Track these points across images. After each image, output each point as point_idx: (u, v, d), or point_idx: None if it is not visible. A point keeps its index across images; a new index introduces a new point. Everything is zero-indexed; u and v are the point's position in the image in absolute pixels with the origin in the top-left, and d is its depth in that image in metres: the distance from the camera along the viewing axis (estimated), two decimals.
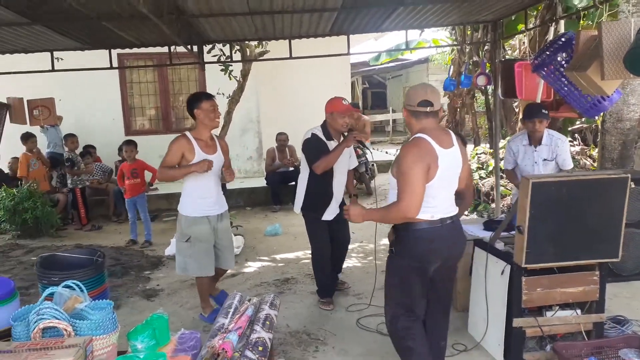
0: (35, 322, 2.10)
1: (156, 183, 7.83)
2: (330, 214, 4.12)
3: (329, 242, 4.21)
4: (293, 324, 3.81)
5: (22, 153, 7.50)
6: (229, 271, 5.05)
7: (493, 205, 6.62)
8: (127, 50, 6.17)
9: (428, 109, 2.62)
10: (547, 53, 4.42)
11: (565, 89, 4.34)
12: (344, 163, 4.11)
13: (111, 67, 5.87)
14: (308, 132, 4.05)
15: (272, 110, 10.16)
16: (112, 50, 5.74)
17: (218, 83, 6.96)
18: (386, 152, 11.54)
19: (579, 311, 3.24)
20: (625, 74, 3.54)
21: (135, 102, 9.46)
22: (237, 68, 6.80)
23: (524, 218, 2.96)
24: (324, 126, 4.04)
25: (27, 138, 7.45)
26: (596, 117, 6.44)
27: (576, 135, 7.95)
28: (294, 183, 8.39)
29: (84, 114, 9.08)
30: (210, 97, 3.75)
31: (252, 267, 5.37)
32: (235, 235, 5.55)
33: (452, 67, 7.16)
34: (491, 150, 7.98)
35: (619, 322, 3.44)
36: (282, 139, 8.36)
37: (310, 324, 3.84)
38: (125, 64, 8.85)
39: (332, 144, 3.99)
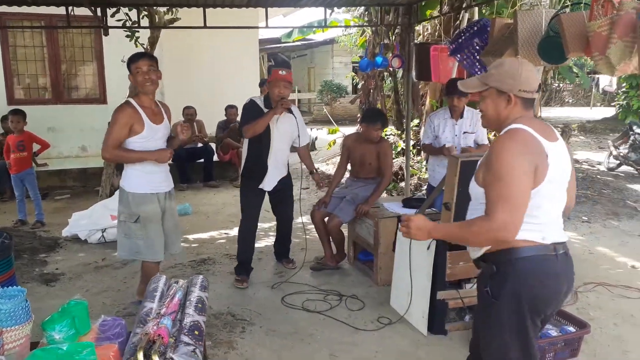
0: None
1: (46, 157, 7.09)
2: (268, 183, 4.05)
3: (257, 218, 4.15)
4: (215, 305, 3.64)
5: None
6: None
7: (402, 184, 6.85)
8: (8, 9, 5.43)
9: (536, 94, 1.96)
10: (463, 38, 4.60)
11: (479, 72, 4.56)
12: (284, 134, 4.03)
13: None
14: (248, 99, 4.02)
15: (177, 83, 9.60)
16: None
17: (118, 51, 6.38)
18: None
19: None
20: (538, 61, 3.78)
21: (20, 68, 8.43)
22: (142, 35, 6.28)
23: (452, 195, 3.05)
24: (267, 96, 3.99)
25: None
26: None
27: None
28: (202, 160, 8.09)
29: None
30: (138, 57, 3.24)
31: None
32: None
33: (367, 48, 7.22)
34: (399, 132, 8.25)
35: None
36: (189, 113, 7.93)
37: (233, 305, 3.69)
38: (7, 24, 7.83)
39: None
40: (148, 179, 3.31)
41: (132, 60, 3.23)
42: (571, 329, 3.06)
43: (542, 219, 1.85)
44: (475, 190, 1.94)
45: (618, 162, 8.03)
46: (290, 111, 3.97)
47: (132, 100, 3.27)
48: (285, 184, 4.21)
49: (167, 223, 3.46)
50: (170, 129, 3.48)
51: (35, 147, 6.06)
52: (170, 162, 7.95)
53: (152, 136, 3.25)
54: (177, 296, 2.52)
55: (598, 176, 7.70)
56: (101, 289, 4.00)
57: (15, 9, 5.36)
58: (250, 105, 3.96)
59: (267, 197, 4.23)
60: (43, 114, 7.88)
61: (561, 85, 20.64)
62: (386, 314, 3.54)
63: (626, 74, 3.50)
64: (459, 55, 4.66)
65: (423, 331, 3.30)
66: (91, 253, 4.86)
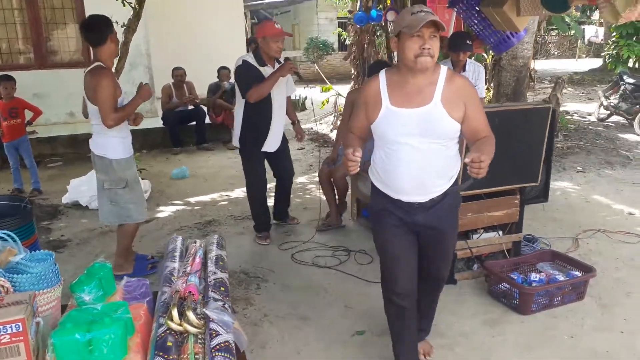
0: None
1: (35, 124, 6.93)
2: (270, 145, 3.96)
3: (265, 177, 4.09)
4: (228, 265, 3.68)
5: None
6: None
7: None
8: None
9: None
10: None
11: (477, 24, 4.52)
12: (281, 90, 3.91)
13: None
14: (239, 60, 3.80)
15: (163, 43, 9.36)
16: None
17: (100, 10, 6.14)
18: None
19: (500, 232, 3.53)
20: (540, 10, 3.75)
21: None
22: None
23: (461, 149, 3.08)
24: (256, 52, 3.81)
25: None
26: (497, 55, 6.84)
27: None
28: (194, 123, 7.97)
29: None
30: (111, 26, 3.27)
31: (165, 211, 5.06)
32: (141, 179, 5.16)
33: (361, 2, 7.07)
34: None
35: (529, 240, 3.82)
36: (179, 74, 7.74)
37: (245, 263, 3.74)
38: None
39: (266, 70, 3.77)
40: (126, 143, 3.38)
41: (110, 30, 3.24)
42: (577, 273, 3.17)
43: None
44: (450, 124, 2.14)
45: (608, 112, 8.11)
46: (298, 74, 3.87)
47: (103, 65, 3.23)
48: (284, 140, 4.14)
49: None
50: None
51: (28, 115, 5.90)
52: (161, 125, 7.87)
53: (126, 98, 3.33)
54: (199, 255, 2.54)
55: (589, 127, 7.80)
56: (110, 253, 4.00)
57: None
58: (245, 67, 3.75)
59: None
60: (27, 79, 7.64)
61: (546, 37, 20.57)
62: None
63: (630, 21, 3.49)
64: (457, 7, 4.60)
65: None
66: (94, 219, 4.81)
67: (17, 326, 1.63)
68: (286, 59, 3.74)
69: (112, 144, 3.29)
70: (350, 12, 9.26)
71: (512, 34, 4.37)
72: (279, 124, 3.97)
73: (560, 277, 3.13)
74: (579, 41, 19.12)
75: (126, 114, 3.25)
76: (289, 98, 4.15)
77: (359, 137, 2.34)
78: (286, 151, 4.21)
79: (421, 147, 2.11)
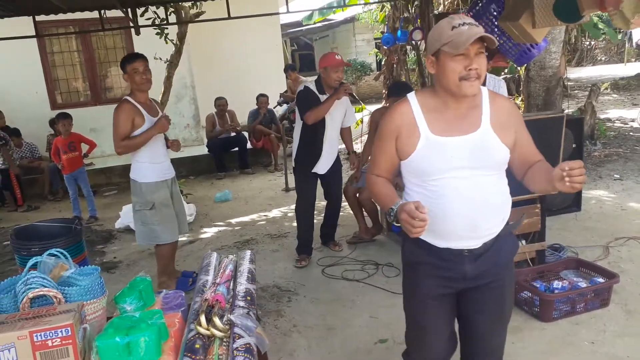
0: (23, 293, 2.06)
1: (91, 157, 7.52)
2: (321, 167, 4.17)
3: (314, 198, 4.27)
4: (262, 280, 3.92)
5: None
6: (186, 238, 5.07)
7: None
8: (45, 18, 5.78)
9: None
10: (481, 5, 4.67)
11: (498, 39, 4.63)
12: (338, 118, 4.15)
13: (37, 36, 5.48)
14: (301, 84, 4.12)
15: (206, 75, 9.92)
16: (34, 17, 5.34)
17: (149, 48, 6.69)
18: None
19: (524, 242, 3.59)
20: (554, 21, 3.84)
21: (59, 74, 8.88)
22: (171, 32, 6.56)
23: None
24: (317, 81, 4.09)
25: None
26: (520, 67, 6.88)
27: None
28: (237, 149, 8.39)
29: (3, 89, 8.42)
30: (134, 58, 3.56)
31: (208, 232, 5.39)
32: (186, 203, 5.52)
33: (388, 23, 7.30)
34: None
35: (556, 249, 3.85)
36: (221, 104, 8.22)
37: (278, 278, 3.97)
38: (44, 32, 8.24)
39: (324, 98, 4.01)
40: (155, 168, 3.63)
41: (128, 62, 3.53)
42: (600, 280, 3.19)
43: None
44: (504, 152, 1.82)
45: None
46: (353, 95, 4.09)
47: (129, 98, 3.57)
48: (336, 164, 4.30)
49: (176, 206, 3.81)
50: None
51: (84, 147, 6.43)
52: (207, 152, 8.29)
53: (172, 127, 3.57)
54: (229, 268, 2.78)
55: (631, 133, 7.60)
56: (155, 272, 4.33)
57: (50, 16, 5.69)
58: (305, 92, 4.02)
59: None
60: (84, 115, 8.31)
61: (592, 43, 20.00)
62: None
63: None
64: (478, 22, 4.73)
65: None
66: None
67: (66, 331, 1.90)
68: (341, 83, 3.96)
69: (142, 168, 3.63)
70: (382, 33, 9.51)
71: (532, 46, 4.46)
72: (331, 148, 4.17)
73: (583, 284, 3.16)
74: (627, 45, 18.50)
75: (137, 142, 3.53)
76: (349, 129, 4.41)
77: (387, 178, 1.95)
78: (337, 175, 4.37)
79: (472, 181, 1.77)
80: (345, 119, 4.26)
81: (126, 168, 8.21)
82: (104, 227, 5.83)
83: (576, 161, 1.58)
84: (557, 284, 3.18)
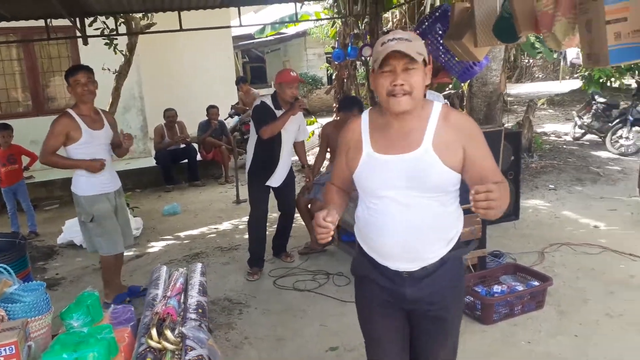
0: None
1: (32, 170, 7.22)
2: (276, 180, 4.21)
3: (267, 211, 4.31)
4: (213, 293, 3.89)
5: None
6: (132, 253, 4.97)
7: None
8: None
9: None
10: (427, 24, 4.88)
11: (443, 56, 4.86)
12: (292, 132, 4.21)
13: None
14: (257, 100, 4.16)
15: (155, 86, 9.75)
16: None
17: (97, 58, 6.54)
18: None
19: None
20: (494, 41, 4.08)
21: None
22: (120, 42, 6.45)
23: None
24: (274, 96, 4.12)
25: None
26: (463, 83, 7.21)
27: (446, 100, 8.81)
28: (186, 161, 8.28)
29: None
30: (76, 70, 3.54)
31: (156, 246, 5.30)
32: (132, 217, 5.40)
33: (339, 39, 7.48)
34: None
35: (496, 255, 4.05)
36: (170, 115, 8.10)
37: (229, 291, 3.97)
38: None
39: (280, 113, 4.05)
40: (94, 182, 3.61)
41: (71, 74, 3.53)
42: (536, 283, 3.40)
43: None
44: (445, 174, 1.72)
45: (583, 131, 8.43)
46: (306, 110, 4.18)
47: (70, 111, 3.56)
48: (289, 177, 4.36)
49: (120, 219, 3.80)
50: (112, 134, 3.76)
51: (24, 160, 6.18)
52: (155, 164, 8.14)
53: (91, 142, 3.56)
54: (180, 281, 2.77)
55: (564, 146, 8.10)
56: (101, 289, 4.21)
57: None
58: (262, 107, 4.06)
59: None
60: (25, 126, 7.97)
61: (530, 61, 21.11)
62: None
63: (571, 47, 3.81)
64: (424, 41, 4.95)
65: None
66: (87, 257, 5.04)
67: (10, 349, 1.86)
68: (296, 99, 4.02)
69: (80, 181, 3.61)
70: (333, 48, 9.71)
71: (474, 64, 4.70)
72: (285, 162, 4.23)
73: (520, 287, 3.35)
74: (562, 63, 19.65)
75: (64, 164, 3.60)
76: (302, 142, 4.49)
77: (341, 189, 2.03)
78: (291, 187, 4.43)
79: (409, 202, 1.72)
80: (298, 133, 4.34)
81: (68, 181, 7.94)
82: (45, 243, 5.62)
83: (484, 185, 1.48)
84: (497, 288, 3.36)
